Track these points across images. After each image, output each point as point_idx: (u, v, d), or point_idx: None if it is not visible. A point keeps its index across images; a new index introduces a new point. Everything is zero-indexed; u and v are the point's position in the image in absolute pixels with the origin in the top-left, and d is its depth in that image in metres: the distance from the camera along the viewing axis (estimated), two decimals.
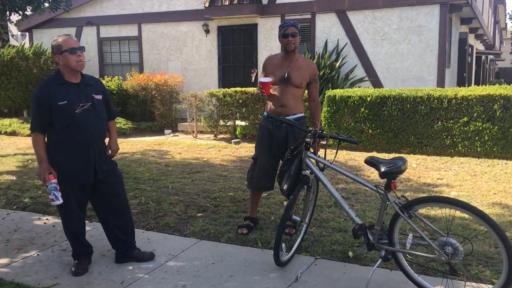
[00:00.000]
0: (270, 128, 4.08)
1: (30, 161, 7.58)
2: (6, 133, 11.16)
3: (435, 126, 7.68)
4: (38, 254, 3.84)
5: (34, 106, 3.30)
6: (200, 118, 10.37)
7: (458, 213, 4.04)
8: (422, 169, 6.63)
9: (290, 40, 4.00)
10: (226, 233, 4.23)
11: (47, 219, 4.75)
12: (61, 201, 3.30)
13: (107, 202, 3.61)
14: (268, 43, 11.49)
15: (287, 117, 3.94)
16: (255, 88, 4.17)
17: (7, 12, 7.13)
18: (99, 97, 3.48)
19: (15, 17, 8.17)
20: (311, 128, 3.49)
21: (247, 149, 8.36)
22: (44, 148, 3.33)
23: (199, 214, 4.76)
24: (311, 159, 3.43)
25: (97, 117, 3.42)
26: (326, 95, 8.60)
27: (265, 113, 4.18)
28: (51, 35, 13.77)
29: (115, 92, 11.52)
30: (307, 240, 4.01)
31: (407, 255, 3.24)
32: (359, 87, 9.86)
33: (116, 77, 12.33)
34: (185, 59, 12.53)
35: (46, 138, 3.39)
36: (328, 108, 8.50)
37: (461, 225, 4.25)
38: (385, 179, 3.00)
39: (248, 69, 11.66)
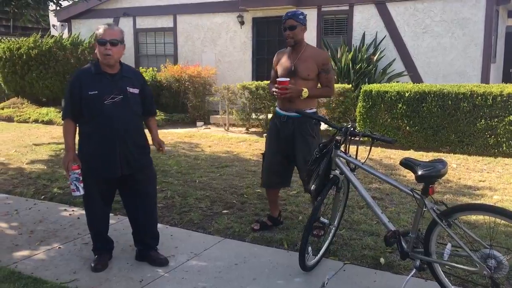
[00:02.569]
0: (277, 124, 3.90)
1: (62, 150, 7.64)
2: (43, 122, 11.36)
3: (478, 124, 7.24)
4: (60, 247, 3.78)
5: (67, 93, 3.25)
6: (232, 111, 10.23)
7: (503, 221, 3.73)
8: (463, 170, 6.25)
9: (287, 34, 3.74)
10: (251, 232, 4.06)
11: (73, 210, 4.71)
12: (82, 192, 3.21)
13: (135, 200, 3.48)
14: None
15: (294, 113, 3.75)
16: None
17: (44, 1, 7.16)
18: (135, 90, 3.30)
19: (52, 7, 8.22)
20: (345, 124, 3.26)
21: None
22: (73, 137, 3.26)
23: (225, 211, 4.61)
24: (342, 159, 3.20)
25: (128, 111, 3.25)
26: (362, 90, 8.28)
27: (275, 108, 4.01)
28: (89, 26, 13.94)
29: (149, 83, 11.53)
30: (335, 243, 3.79)
31: (445, 266, 2.97)
32: (397, 82, 9.46)
33: (151, 68, 12.35)
34: (219, 50, 12.41)
35: (78, 128, 3.32)
36: (364, 104, 8.18)
37: (505, 233, 3.92)
38: (423, 183, 2.75)
39: None
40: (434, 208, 2.74)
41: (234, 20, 12.00)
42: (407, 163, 2.81)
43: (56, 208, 4.77)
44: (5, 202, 4.99)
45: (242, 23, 11.85)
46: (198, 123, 11.10)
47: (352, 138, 3.16)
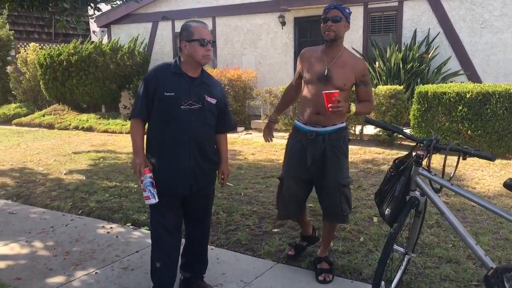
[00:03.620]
0: (303, 142, 3.24)
1: (101, 159, 7.39)
2: (83, 129, 11.26)
3: None
4: (96, 272, 3.42)
5: (141, 90, 2.85)
6: None
7: None
8: None
9: (329, 25, 3.09)
10: (307, 256, 3.58)
11: (111, 227, 4.37)
12: (156, 200, 2.77)
13: (194, 220, 3.10)
14: (349, 34, 10.61)
15: (324, 128, 3.16)
16: None
17: (81, 5, 6.93)
18: (213, 100, 2.90)
19: (91, 11, 8.03)
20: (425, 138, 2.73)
21: None
22: (143, 138, 2.87)
23: (275, 230, 4.15)
24: (424, 177, 2.68)
25: (203, 121, 2.85)
26: (416, 91, 7.64)
27: (296, 121, 3.34)
28: (128, 31, 13.85)
29: None
30: (408, 272, 3.26)
31: None
32: (452, 81, 8.75)
33: None
34: (259, 53, 11.99)
35: (147, 132, 2.92)
36: (419, 106, 7.54)
37: None
38: None
39: None
40: None
41: (275, 21, 11.55)
42: None
43: (94, 225, 4.45)
44: (42, 217, 4.71)
45: (283, 23, 11.39)
46: (239, 129, 10.70)
47: (436, 152, 2.64)
